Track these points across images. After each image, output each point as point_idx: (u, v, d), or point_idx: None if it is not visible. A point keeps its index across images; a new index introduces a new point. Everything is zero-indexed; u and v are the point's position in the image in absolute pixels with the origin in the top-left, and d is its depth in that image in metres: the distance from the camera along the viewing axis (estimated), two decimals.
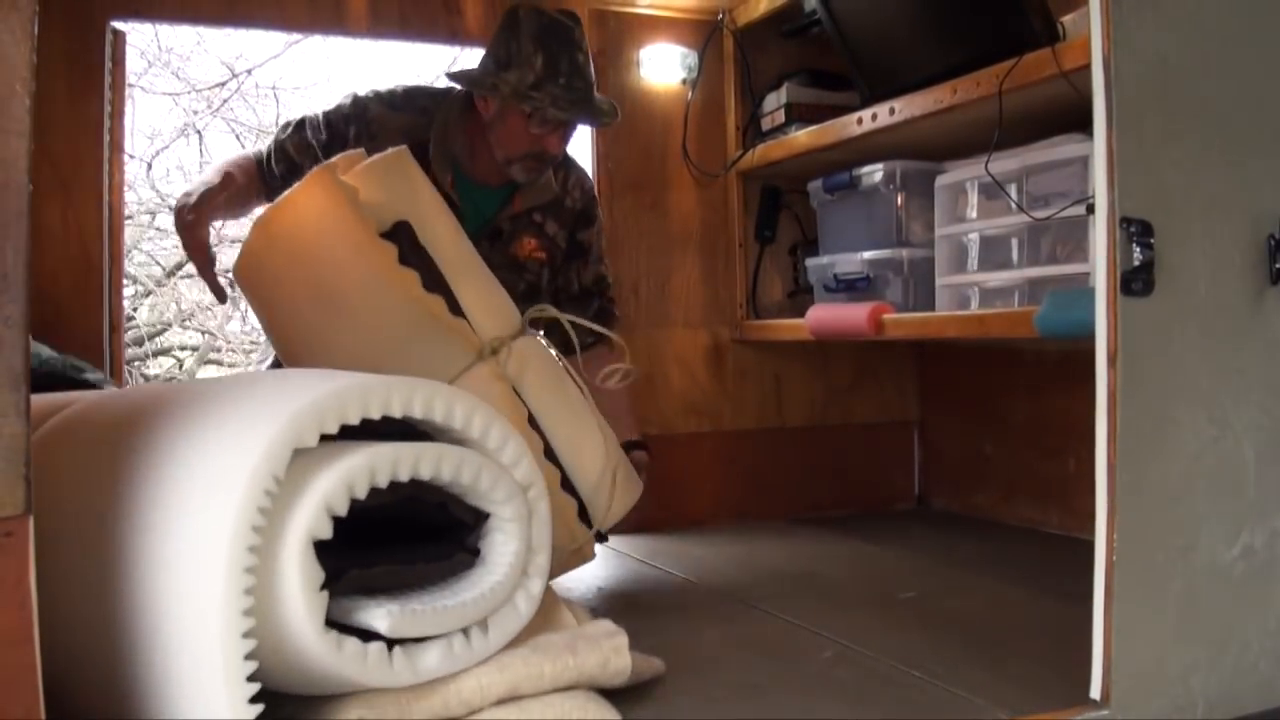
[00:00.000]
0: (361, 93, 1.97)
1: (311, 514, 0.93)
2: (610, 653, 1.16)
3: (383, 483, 0.99)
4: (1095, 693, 1.17)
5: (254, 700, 0.90)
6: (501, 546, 1.09)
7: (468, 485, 1.06)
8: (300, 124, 1.96)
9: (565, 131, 1.94)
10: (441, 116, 1.96)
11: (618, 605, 1.75)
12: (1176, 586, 1.21)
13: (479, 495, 1.07)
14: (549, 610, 1.27)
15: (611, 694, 1.17)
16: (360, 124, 1.92)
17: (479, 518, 1.10)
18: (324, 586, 0.95)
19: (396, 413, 1.03)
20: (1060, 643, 1.41)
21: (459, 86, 1.98)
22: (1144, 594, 1.19)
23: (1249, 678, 1.27)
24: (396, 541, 1.07)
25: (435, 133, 1.94)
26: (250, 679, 0.89)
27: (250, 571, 0.89)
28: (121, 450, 1.06)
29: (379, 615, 0.97)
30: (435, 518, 1.09)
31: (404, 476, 1.01)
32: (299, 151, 1.92)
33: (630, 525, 2.26)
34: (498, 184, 2.01)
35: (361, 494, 0.97)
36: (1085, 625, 1.18)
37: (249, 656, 0.89)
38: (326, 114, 1.95)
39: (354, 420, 0.99)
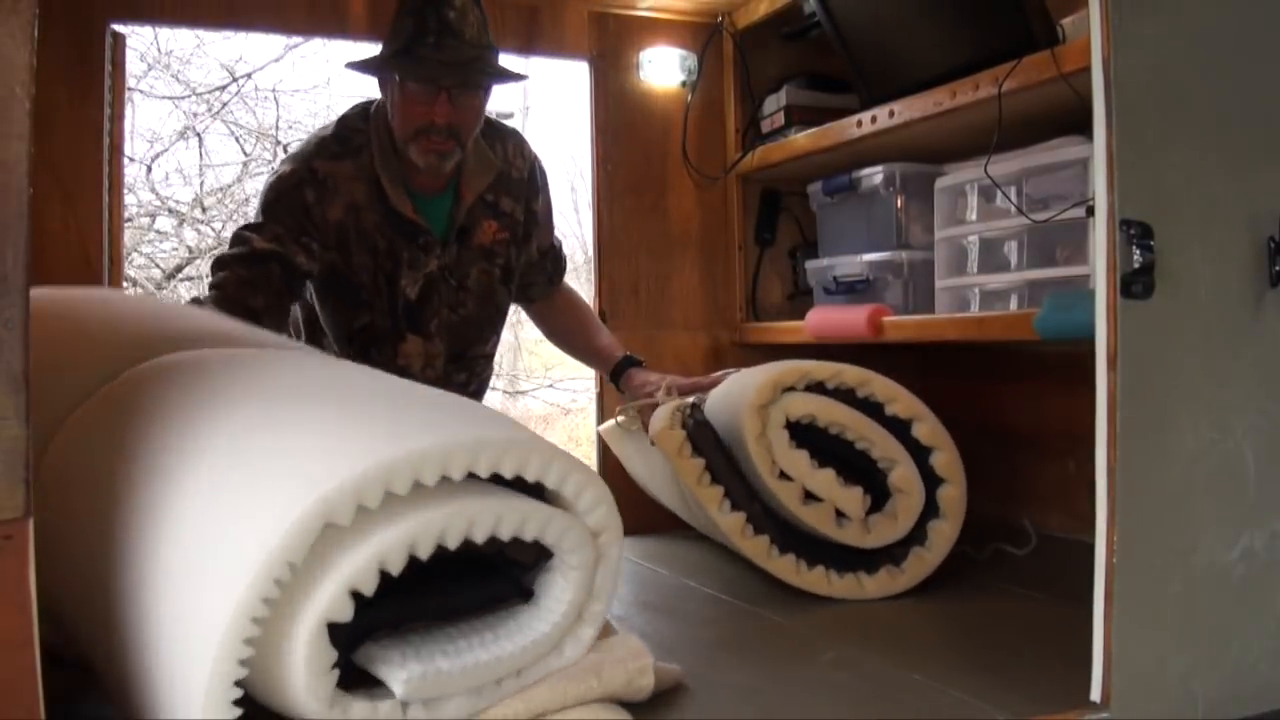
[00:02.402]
0: (298, 151, 1.91)
1: (329, 598, 0.83)
2: (635, 674, 1.11)
3: (424, 555, 0.87)
4: (1095, 695, 1.17)
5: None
6: (559, 593, 0.99)
7: (533, 536, 0.96)
8: (259, 225, 1.83)
9: (453, 96, 1.79)
10: (376, 143, 1.89)
11: (616, 607, 1.75)
12: (1176, 589, 1.21)
13: (545, 542, 0.97)
14: None
15: None
16: (314, 185, 1.85)
17: (540, 555, 0.99)
18: (347, 649, 0.86)
19: (457, 476, 0.90)
20: (1060, 645, 1.41)
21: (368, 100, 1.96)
22: (1144, 596, 1.19)
23: (1249, 680, 1.27)
24: (440, 575, 0.94)
25: (379, 163, 1.88)
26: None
27: (249, 643, 0.81)
28: (134, 463, 1.00)
29: (398, 679, 0.88)
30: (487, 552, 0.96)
31: (453, 545, 0.89)
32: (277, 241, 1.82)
33: (629, 527, 2.26)
34: (443, 187, 1.95)
35: (396, 570, 0.85)
36: (1085, 628, 1.18)
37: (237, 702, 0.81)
38: (273, 188, 1.86)
39: (402, 492, 0.86)
